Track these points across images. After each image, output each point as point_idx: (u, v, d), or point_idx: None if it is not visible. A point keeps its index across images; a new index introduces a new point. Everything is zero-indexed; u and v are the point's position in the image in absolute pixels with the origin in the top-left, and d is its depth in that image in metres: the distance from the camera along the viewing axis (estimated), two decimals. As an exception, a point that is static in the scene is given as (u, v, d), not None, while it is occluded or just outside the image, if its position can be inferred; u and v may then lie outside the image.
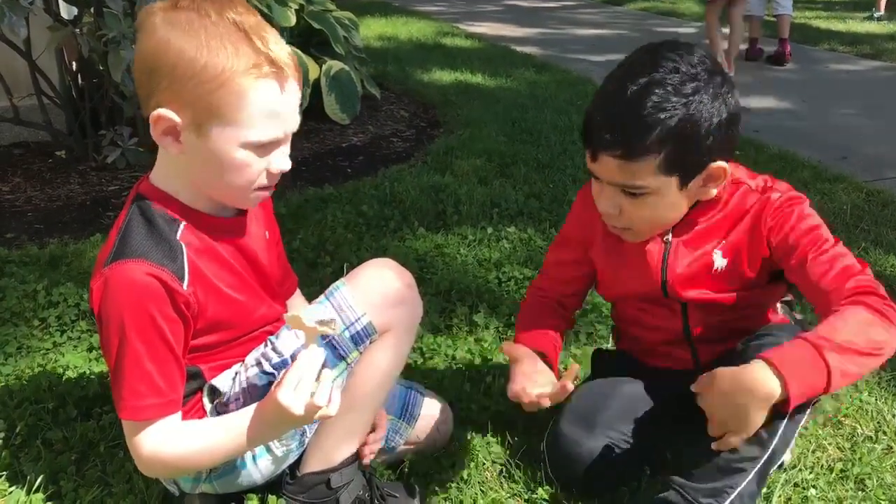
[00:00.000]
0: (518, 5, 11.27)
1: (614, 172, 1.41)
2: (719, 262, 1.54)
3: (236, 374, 1.46)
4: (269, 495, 1.52)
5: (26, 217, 3.14)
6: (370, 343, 1.45)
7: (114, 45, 3.29)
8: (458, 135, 4.22)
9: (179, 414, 1.36)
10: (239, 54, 1.23)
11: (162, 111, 1.25)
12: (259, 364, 1.44)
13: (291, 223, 2.93)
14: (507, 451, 1.74)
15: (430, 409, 1.72)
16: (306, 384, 1.27)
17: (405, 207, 3.15)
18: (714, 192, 1.47)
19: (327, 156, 3.97)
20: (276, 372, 1.43)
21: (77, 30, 3.37)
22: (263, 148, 1.29)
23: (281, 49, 1.27)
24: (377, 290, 1.45)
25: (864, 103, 5.43)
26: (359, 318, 1.43)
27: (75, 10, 3.56)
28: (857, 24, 9.08)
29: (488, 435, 1.80)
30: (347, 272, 1.56)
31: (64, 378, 1.96)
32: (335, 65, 4.38)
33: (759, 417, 1.31)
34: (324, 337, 1.43)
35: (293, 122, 1.32)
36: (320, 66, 4.32)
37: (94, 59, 3.53)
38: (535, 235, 2.94)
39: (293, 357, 1.42)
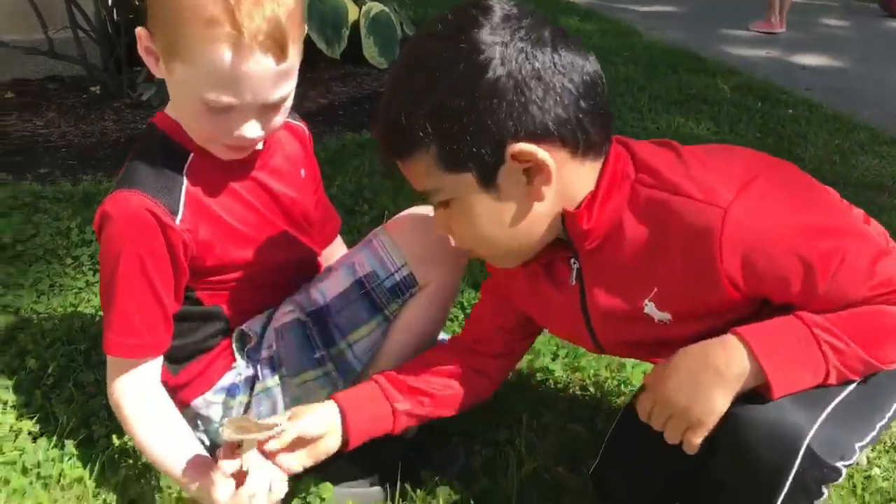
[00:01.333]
0: (560, -48, 10.94)
1: (410, 178, 1.14)
2: (658, 315, 1.17)
3: (268, 319, 1.40)
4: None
5: (60, 153, 3.08)
6: (410, 296, 1.38)
7: (150, -22, 3.19)
8: (500, 83, 4.09)
9: (160, 360, 1.33)
10: (207, 1, 1.12)
11: (142, 29, 1.22)
12: (292, 311, 1.38)
13: (329, 168, 2.85)
14: (553, 411, 1.67)
15: None
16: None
17: (445, 156, 3.05)
18: (546, 192, 1.08)
19: (365, 100, 3.87)
20: (309, 320, 1.37)
21: (113, -39, 3.28)
22: (218, 109, 1.19)
23: (255, 17, 1.13)
24: (420, 240, 1.37)
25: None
26: (399, 269, 1.36)
27: (112, -59, 3.46)
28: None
29: (533, 394, 1.73)
30: (388, 219, 1.48)
31: (97, 319, 1.91)
32: (375, 6, 4.25)
33: (722, 403, 1.07)
34: (361, 287, 1.36)
35: (260, 93, 1.19)
36: (360, 8, 4.19)
37: (131, -7, 3.44)
38: (580, 190, 2.83)
39: (328, 306, 1.36)
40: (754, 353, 1.05)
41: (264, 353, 1.39)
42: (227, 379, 1.40)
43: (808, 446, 1.04)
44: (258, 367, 1.38)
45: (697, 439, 1.09)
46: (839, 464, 1.06)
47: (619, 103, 3.79)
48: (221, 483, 1.18)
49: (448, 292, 1.43)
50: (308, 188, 1.50)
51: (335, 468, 1.44)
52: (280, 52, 1.17)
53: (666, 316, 1.17)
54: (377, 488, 1.44)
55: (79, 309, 1.97)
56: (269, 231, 1.40)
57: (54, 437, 1.52)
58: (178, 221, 1.26)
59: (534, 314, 1.37)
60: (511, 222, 1.12)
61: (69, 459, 1.47)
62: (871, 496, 1.49)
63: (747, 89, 4.15)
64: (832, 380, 1.07)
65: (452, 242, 1.21)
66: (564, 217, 1.13)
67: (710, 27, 6.04)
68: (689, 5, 7.08)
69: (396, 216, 1.44)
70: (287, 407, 1.39)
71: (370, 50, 4.22)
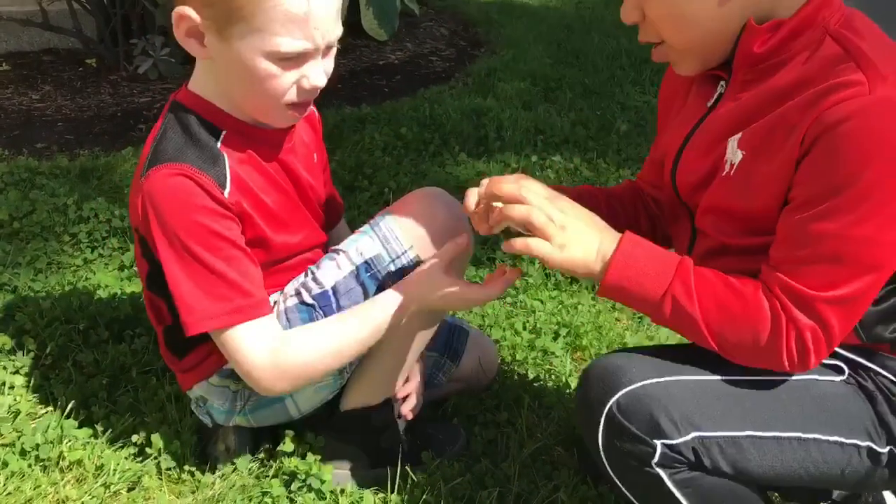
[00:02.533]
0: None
1: None
2: (732, 153, 1.12)
3: (275, 303, 1.38)
4: (307, 432, 1.46)
5: (56, 127, 3.05)
6: None
7: (146, -51, 3.15)
8: (501, 56, 4.04)
9: (274, 316, 1.28)
10: None
11: (182, 9, 1.15)
12: (299, 294, 1.36)
13: (328, 143, 2.76)
14: (554, 392, 1.66)
15: (474, 346, 1.63)
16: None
17: (445, 131, 3.02)
18: None
19: (364, 73, 3.82)
20: (315, 303, 1.34)
21: (108, -69, 3.22)
22: (290, 60, 1.17)
23: None
24: (426, 223, 1.35)
25: None
26: (405, 252, 1.34)
27: (106, -90, 3.40)
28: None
29: (534, 374, 1.72)
30: (393, 200, 1.46)
31: (95, 298, 1.90)
32: (374, -23, 4.18)
33: (580, 267, 1.09)
34: (367, 269, 1.35)
35: (327, 33, 1.17)
36: (359, -22, 4.13)
37: (126, -37, 3.39)
38: (582, 165, 2.80)
39: (335, 289, 1.34)
40: (611, 263, 1.08)
41: None
42: None
43: (610, 407, 1.08)
44: None
45: (536, 253, 1.07)
46: (657, 441, 1.06)
47: (620, 76, 3.75)
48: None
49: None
50: (319, 172, 1.47)
51: (336, 450, 1.44)
52: None
53: (736, 156, 1.11)
54: (378, 470, 1.44)
55: (77, 287, 1.95)
56: (295, 214, 1.37)
57: (53, 419, 1.51)
58: (227, 195, 1.22)
59: (659, 138, 1.36)
60: (719, 3, 1.07)
61: (69, 441, 1.46)
62: None
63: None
64: (652, 318, 1.11)
65: (642, 36, 1.17)
66: (743, 31, 1.09)
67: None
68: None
69: (401, 199, 1.42)
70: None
71: (369, 22, 4.16)
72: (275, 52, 1.15)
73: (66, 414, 1.52)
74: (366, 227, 1.39)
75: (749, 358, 1.09)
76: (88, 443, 1.46)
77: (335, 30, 1.20)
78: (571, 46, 4.20)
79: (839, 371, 1.16)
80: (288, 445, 1.43)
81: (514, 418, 1.57)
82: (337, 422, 1.43)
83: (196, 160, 1.21)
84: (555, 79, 3.68)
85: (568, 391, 1.68)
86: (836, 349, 1.14)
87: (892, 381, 1.14)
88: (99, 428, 1.49)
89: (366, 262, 1.35)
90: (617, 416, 1.07)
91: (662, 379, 1.10)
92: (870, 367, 1.15)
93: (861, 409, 1.13)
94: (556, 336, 1.85)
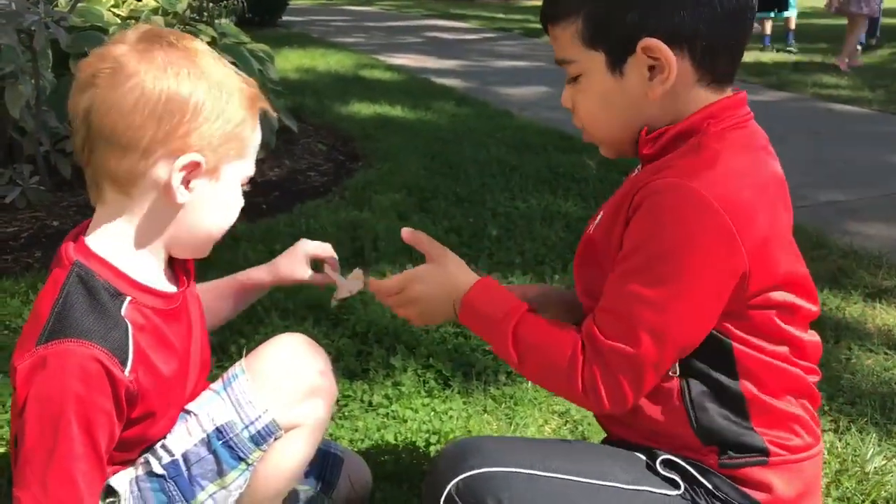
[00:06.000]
0: (439, 37, 11.35)
1: (555, 45, 1.27)
2: (593, 226, 1.30)
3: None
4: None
5: (-87, 263, 2.94)
6: (274, 440, 1.32)
7: (11, 81, 3.15)
8: (377, 169, 4.17)
9: None
10: (243, 92, 1.24)
11: (191, 157, 1.17)
12: (147, 463, 1.29)
13: (198, 263, 2.80)
14: None
15: (347, 470, 1.60)
16: None
17: (321, 245, 3.07)
18: (660, 92, 1.17)
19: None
20: (165, 473, 1.28)
21: (-29, 64, 3.21)
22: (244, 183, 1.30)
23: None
24: (282, 382, 1.32)
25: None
26: (260, 417, 1.30)
27: (-31, 44, 3.39)
28: (762, 55, 9.37)
29: (406, 487, 1.73)
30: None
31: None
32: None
33: (440, 320, 1.35)
34: (219, 436, 1.30)
35: None
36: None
37: (-10, 95, 3.37)
38: (455, 272, 2.89)
39: (185, 457, 1.29)
40: (460, 308, 1.27)
41: None
42: None
43: (450, 490, 1.15)
44: None
45: (403, 314, 1.35)
46: None
47: (491, 184, 3.92)
48: None
49: (317, 430, 1.38)
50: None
51: None
52: None
53: (598, 218, 1.29)
54: None
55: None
56: (184, 379, 1.31)
57: None
58: (127, 372, 1.16)
59: None
60: (622, 109, 1.23)
61: None
62: None
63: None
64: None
65: (574, 120, 1.32)
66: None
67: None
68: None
69: (258, 349, 1.38)
70: None
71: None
72: (246, 175, 1.28)
73: None
74: (219, 386, 1.34)
75: (547, 380, 1.23)
76: None
77: None
78: (445, 158, 4.38)
79: (676, 485, 1.19)
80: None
81: (383, 533, 1.57)
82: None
83: (101, 335, 1.15)
84: (429, 189, 3.81)
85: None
86: (674, 458, 1.20)
87: (723, 502, 1.19)
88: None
89: (217, 429, 1.30)
90: (455, 498, 1.11)
91: (507, 469, 1.13)
92: (703, 484, 1.19)
93: None
94: (427, 444, 1.87)
